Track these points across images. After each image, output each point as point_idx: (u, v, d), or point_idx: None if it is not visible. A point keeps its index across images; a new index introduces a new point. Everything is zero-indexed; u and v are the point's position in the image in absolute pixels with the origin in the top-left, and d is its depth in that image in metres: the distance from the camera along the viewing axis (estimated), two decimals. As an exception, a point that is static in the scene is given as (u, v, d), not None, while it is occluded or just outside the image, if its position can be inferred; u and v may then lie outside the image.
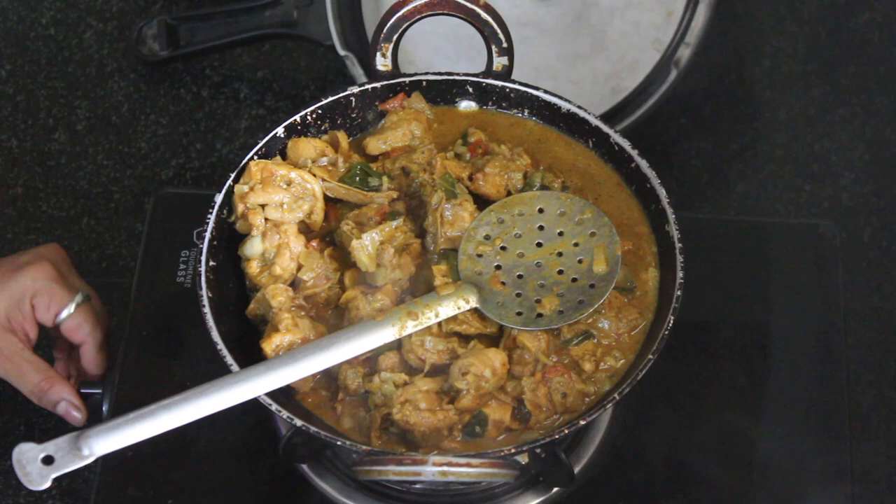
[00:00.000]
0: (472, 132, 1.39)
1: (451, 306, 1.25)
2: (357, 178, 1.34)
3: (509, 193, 1.34)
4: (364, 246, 1.28)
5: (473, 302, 1.26)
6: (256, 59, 1.82)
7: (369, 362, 1.27)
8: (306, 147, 1.36)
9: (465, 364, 1.24)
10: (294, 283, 1.30)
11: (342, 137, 1.38)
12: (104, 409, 1.44)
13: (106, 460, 1.41)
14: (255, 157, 1.34)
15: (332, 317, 1.29)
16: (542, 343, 1.26)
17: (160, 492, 1.42)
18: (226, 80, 1.81)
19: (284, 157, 1.36)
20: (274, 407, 1.20)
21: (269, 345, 1.24)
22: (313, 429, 1.20)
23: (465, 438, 1.24)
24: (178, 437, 1.42)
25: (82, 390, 1.44)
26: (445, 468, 1.19)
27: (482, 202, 1.33)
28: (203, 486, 1.43)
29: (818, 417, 1.47)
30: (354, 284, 1.29)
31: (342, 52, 1.66)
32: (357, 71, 1.66)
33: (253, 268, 1.30)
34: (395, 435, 1.24)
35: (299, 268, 1.30)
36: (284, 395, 1.24)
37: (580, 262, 1.28)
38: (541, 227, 1.31)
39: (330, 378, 1.27)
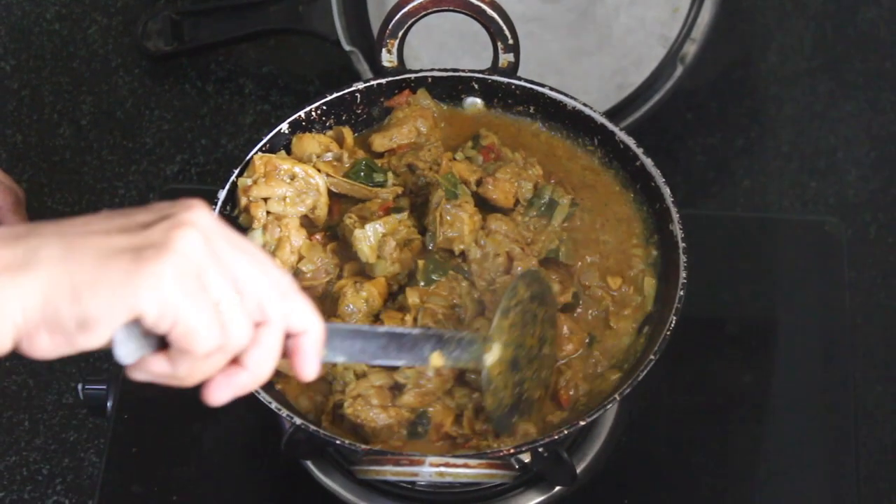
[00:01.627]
0: (485, 135, 1.37)
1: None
2: (362, 174, 1.34)
3: (517, 202, 1.33)
4: (366, 236, 1.27)
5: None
6: (261, 55, 1.82)
7: None
8: (311, 143, 1.35)
9: None
10: (294, 275, 1.29)
11: (347, 133, 1.37)
12: (108, 405, 1.44)
13: (111, 456, 1.41)
14: (260, 153, 1.34)
15: (328, 309, 1.29)
16: None
17: (164, 488, 1.42)
18: (231, 75, 1.80)
19: (289, 152, 1.36)
20: (274, 406, 1.19)
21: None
22: (312, 427, 1.19)
23: (408, 438, 1.22)
24: (182, 434, 1.43)
25: (86, 387, 1.44)
26: (443, 469, 1.18)
27: (489, 208, 1.32)
28: (207, 483, 1.43)
29: (823, 415, 1.46)
30: (351, 275, 1.29)
31: (347, 48, 1.65)
32: (362, 66, 1.65)
33: (254, 261, 1.30)
34: (347, 425, 1.23)
35: (300, 259, 1.30)
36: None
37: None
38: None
39: None
